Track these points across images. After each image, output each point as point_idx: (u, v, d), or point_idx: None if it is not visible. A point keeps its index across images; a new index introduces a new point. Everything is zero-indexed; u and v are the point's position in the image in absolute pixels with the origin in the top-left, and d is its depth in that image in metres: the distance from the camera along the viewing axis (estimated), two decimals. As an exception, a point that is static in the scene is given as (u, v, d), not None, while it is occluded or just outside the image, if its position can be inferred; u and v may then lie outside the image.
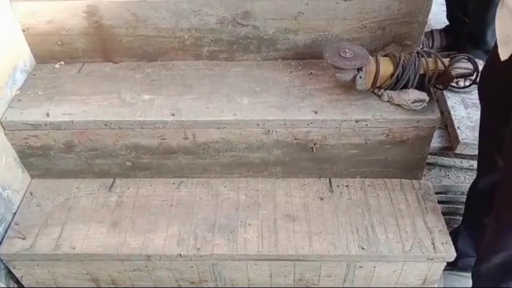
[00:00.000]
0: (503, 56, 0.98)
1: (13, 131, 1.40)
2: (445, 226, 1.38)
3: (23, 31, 1.47)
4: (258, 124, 1.36)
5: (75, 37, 1.48)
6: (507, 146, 1.08)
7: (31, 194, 1.51)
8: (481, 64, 1.34)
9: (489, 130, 1.21)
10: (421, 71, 1.32)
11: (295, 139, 1.39)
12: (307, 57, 1.51)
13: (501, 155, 1.14)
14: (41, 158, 1.48)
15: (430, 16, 2.10)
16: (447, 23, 1.97)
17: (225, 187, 1.50)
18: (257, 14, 1.41)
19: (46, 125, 1.37)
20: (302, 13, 1.40)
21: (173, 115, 1.36)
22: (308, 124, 1.35)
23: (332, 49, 1.33)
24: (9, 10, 1.41)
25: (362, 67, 1.30)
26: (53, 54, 1.53)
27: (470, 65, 1.33)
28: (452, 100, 1.68)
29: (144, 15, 1.42)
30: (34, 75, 1.52)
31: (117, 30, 1.46)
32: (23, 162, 1.49)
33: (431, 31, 1.97)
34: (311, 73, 1.47)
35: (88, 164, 1.49)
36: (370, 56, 1.33)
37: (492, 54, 1.10)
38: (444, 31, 1.96)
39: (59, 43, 1.50)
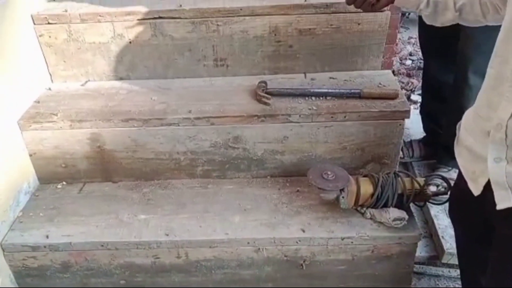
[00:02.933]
0: (475, 191, 1.00)
1: (12, 253, 1.45)
2: None
3: (30, 155, 1.59)
4: (248, 243, 1.42)
5: (78, 160, 1.60)
6: (494, 272, 1.03)
7: (24, 315, 1.51)
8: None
9: (467, 253, 1.25)
10: (399, 191, 1.42)
11: (285, 256, 1.45)
12: (294, 174, 1.62)
13: (484, 277, 1.10)
14: (37, 278, 1.51)
15: (409, 126, 2.29)
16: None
17: (217, 304, 1.52)
18: (247, 138, 1.55)
19: (45, 247, 1.43)
20: (287, 137, 1.54)
21: (167, 235, 1.43)
22: (297, 242, 1.42)
23: (315, 171, 1.44)
24: (19, 138, 1.54)
25: (344, 188, 1.41)
26: (56, 175, 1.63)
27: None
28: (435, 209, 1.76)
29: (143, 141, 1.55)
30: (37, 196, 1.60)
31: (118, 154, 1.58)
32: (18, 282, 1.52)
33: (410, 142, 2.12)
34: (298, 190, 1.57)
35: (83, 283, 1.52)
36: (351, 177, 1.44)
37: (457, 184, 1.16)
38: (422, 141, 2.11)
39: (63, 165, 1.61)
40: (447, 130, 1.92)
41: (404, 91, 2.92)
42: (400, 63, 3.39)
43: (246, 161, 1.60)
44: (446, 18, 1.22)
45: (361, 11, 1.52)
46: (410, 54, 3.47)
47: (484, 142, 0.95)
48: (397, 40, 3.27)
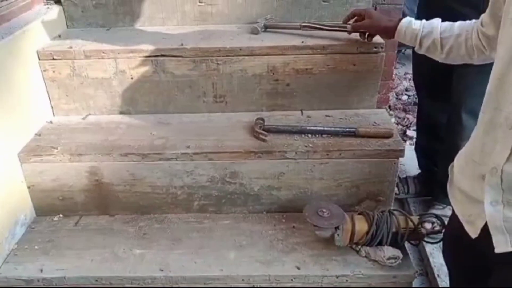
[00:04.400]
0: (473, 234, 1.00)
1: (6, 287, 1.44)
2: None
3: (29, 187, 1.60)
4: (243, 280, 1.42)
5: (76, 193, 1.61)
6: None
7: None
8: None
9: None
10: (394, 229, 1.43)
11: (280, 293, 1.44)
12: (290, 210, 1.63)
13: None
14: (29, 312, 1.49)
15: (404, 162, 2.32)
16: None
17: None
18: (244, 174, 1.57)
19: (38, 280, 1.42)
20: (284, 174, 1.56)
21: (162, 270, 1.42)
22: (292, 280, 1.41)
23: (311, 208, 1.46)
24: (19, 170, 1.56)
25: (339, 226, 1.42)
26: (53, 208, 1.64)
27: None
28: (431, 246, 1.77)
29: (141, 175, 1.57)
30: (33, 228, 1.61)
31: (116, 187, 1.60)
32: (10, 317, 1.50)
33: (406, 178, 2.14)
34: (293, 227, 1.58)
35: (75, 319, 1.50)
36: (346, 215, 1.45)
37: (451, 225, 1.18)
38: (418, 178, 2.14)
39: (60, 198, 1.62)
40: (442, 168, 1.93)
41: (400, 127, 2.97)
42: (397, 98, 3.46)
43: (243, 196, 1.61)
44: (436, 58, 1.29)
45: (356, 52, 1.59)
46: (406, 90, 3.53)
47: (479, 185, 0.96)
48: (393, 76, 3.35)
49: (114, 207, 1.64)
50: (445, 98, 1.80)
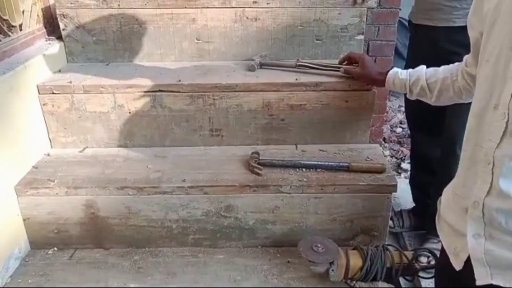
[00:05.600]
0: (457, 266, 1.01)
1: (-3, 322, 1.42)
2: None
3: (24, 220, 1.60)
4: (237, 317, 1.41)
5: (71, 226, 1.61)
6: None
7: None
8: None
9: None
10: (388, 264, 1.43)
11: (274, 330, 1.43)
12: (285, 244, 1.64)
13: None
14: None
15: (398, 194, 2.33)
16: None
17: None
18: (239, 208, 1.58)
19: (30, 316, 1.41)
20: (279, 208, 1.58)
21: (156, 306, 1.41)
22: (286, 316, 1.41)
23: (306, 243, 1.46)
24: (15, 203, 1.57)
25: (333, 261, 1.42)
26: (48, 241, 1.64)
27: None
28: (426, 281, 1.75)
29: (137, 208, 1.58)
30: (27, 261, 1.60)
31: (111, 221, 1.60)
32: None
33: (401, 212, 2.16)
34: (288, 261, 1.58)
35: None
36: (340, 250, 1.46)
37: (441, 258, 1.19)
38: (412, 211, 2.15)
39: (55, 231, 1.62)
40: (435, 201, 1.96)
41: (394, 159, 3.00)
42: (391, 131, 3.51)
43: (238, 230, 1.62)
44: (428, 102, 1.35)
45: (348, 89, 1.65)
46: (401, 122, 3.59)
47: (463, 218, 0.98)
48: (387, 109, 3.41)
49: (109, 240, 1.64)
50: (438, 132, 1.84)
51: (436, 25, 1.72)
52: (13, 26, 1.70)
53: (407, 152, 3.03)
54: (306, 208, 1.58)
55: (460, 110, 1.64)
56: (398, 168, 2.89)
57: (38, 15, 1.86)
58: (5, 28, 1.65)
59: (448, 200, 1.09)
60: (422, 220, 2.07)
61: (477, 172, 0.94)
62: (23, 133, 1.62)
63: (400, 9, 2.43)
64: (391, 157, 3.05)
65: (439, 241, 1.92)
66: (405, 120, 3.57)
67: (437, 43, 1.69)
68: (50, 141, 1.78)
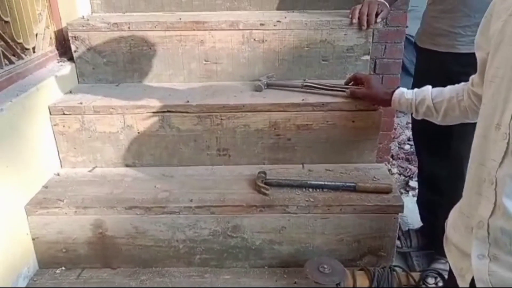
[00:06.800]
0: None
1: None
2: None
3: (33, 239, 1.62)
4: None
5: (79, 246, 1.63)
6: None
7: None
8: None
9: None
10: (395, 286, 1.42)
11: None
12: (291, 265, 1.63)
13: None
14: None
15: (406, 213, 2.32)
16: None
17: None
18: (246, 228, 1.59)
19: (38, 336, 1.41)
20: (285, 228, 1.58)
21: (162, 327, 1.41)
22: (293, 338, 1.40)
23: (312, 264, 1.46)
24: (25, 222, 1.59)
25: (340, 282, 1.41)
26: (56, 260, 1.65)
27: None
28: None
29: (144, 228, 1.59)
30: (35, 281, 1.61)
31: (119, 240, 1.61)
32: None
33: (408, 231, 2.14)
34: (295, 282, 1.57)
35: None
36: (347, 271, 1.45)
37: (450, 280, 1.18)
38: (420, 231, 2.13)
39: (64, 250, 1.64)
40: (443, 221, 1.94)
41: (402, 177, 2.99)
42: (399, 148, 3.49)
43: (244, 251, 1.62)
44: (434, 121, 1.35)
45: (355, 109, 1.66)
46: (409, 139, 3.57)
47: (468, 239, 0.97)
48: (394, 126, 3.41)
49: (117, 260, 1.65)
50: (444, 152, 1.83)
51: (442, 51, 1.71)
52: (26, 49, 1.74)
53: (415, 169, 3.00)
54: (313, 229, 1.58)
55: (466, 131, 1.64)
56: (406, 186, 2.87)
57: (51, 38, 1.91)
58: (19, 50, 1.70)
59: (454, 220, 1.09)
60: (430, 240, 2.05)
61: (481, 191, 0.94)
62: (34, 153, 1.65)
63: (407, 27, 2.46)
64: (399, 174, 3.04)
65: (447, 261, 1.91)
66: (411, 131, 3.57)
67: (445, 66, 1.68)
68: (60, 160, 1.81)
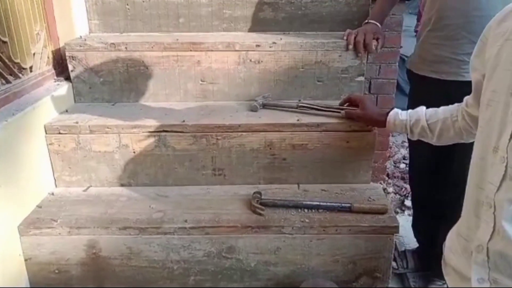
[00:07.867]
0: None
1: None
2: None
3: (25, 260, 1.60)
4: None
5: (72, 266, 1.61)
6: None
7: None
8: None
9: None
10: (391, 309, 1.41)
11: None
12: (287, 286, 1.62)
13: None
14: None
15: (403, 234, 2.31)
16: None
17: None
18: (240, 249, 1.57)
19: None
20: (280, 249, 1.57)
21: None
22: None
23: (308, 286, 1.45)
24: (17, 243, 1.57)
25: (335, 304, 1.40)
26: (48, 281, 1.62)
27: None
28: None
29: (138, 249, 1.58)
30: (27, 303, 1.59)
31: (112, 261, 1.59)
32: None
33: (404, 252, 2.13)
34: (290, 304, 1.56)
35: None
36: (342, 293, 1.44)
37: None
38: (417, 252, 2.12)
39: (56, 271, 1.61)
40: (442, 244, 1.93)
41: (398, 196, 2.99)
42: (394, 166, 3.50)
43: (239, 272, 1.61)
44: (429, 142, 1.36)
45: (349, 130, 1.67)
46: (404, 158, 3.59)
47: (467, 262, 0.97)
48: (390, 144, 3.42)
49: (110, 281, 1.62)
50: (442, 176, 1.83)
51: (445, 79, 1.69)
52: (23, 68, 1.75)
53: (410, 189, 3.01)
54: (308, 250, 1.57)
55: (466, 156, 1.64)
56: (401, 205, 2.87)
57: (48, 57, 1.93)
58: (16, 70, 1.71)
59: (453, 242, 1.08)
60: (427, 261, 2.04)
61: (479, 214, 0.94)
62: (29, 172, 1.64)
63: (401, 47, 2.50)
64: (395, 193, 3.04)
65: (444, 283, 1.89)
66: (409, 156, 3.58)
67: (448, 94, 1.61)
68: (55, 180, 1.80)
